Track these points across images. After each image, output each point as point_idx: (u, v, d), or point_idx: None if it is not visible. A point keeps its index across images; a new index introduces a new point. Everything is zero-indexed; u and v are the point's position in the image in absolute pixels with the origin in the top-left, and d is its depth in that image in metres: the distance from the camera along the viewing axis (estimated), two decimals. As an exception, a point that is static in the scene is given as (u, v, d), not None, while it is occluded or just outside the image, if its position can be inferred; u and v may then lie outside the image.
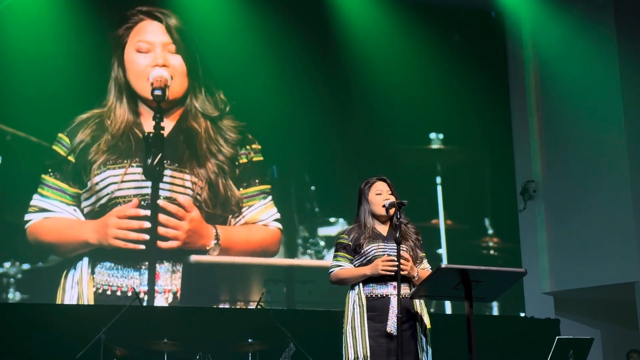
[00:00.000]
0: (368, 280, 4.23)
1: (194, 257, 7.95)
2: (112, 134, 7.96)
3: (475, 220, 8.95)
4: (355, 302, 4.23)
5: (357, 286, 4.26)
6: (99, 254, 7.71)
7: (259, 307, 7.41)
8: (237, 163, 8.25)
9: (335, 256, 4.40)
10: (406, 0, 8.94)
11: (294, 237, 8.32)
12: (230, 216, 8.12)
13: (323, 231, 8.39)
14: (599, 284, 8.45)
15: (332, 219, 8.44)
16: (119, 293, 7.67)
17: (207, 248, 7.99)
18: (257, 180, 8.28)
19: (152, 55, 8.13)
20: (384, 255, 4.25)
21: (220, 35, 8.36)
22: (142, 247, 7.81)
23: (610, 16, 8.57)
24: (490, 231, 8.97)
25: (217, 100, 8.28)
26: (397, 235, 4.18)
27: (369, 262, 4.25)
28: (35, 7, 8.02)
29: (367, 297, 4.21)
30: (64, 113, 7.96)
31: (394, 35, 8.78)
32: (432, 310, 7.96)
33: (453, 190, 8.86)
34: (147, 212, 7.85)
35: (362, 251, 4.30)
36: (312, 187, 8.50)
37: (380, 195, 4.37)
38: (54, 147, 7.85)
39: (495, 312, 8.71)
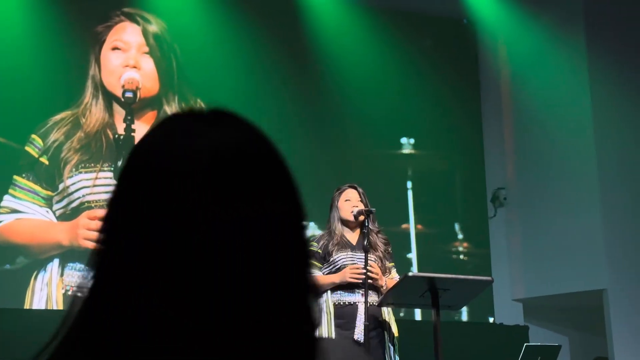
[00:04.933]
0: (336, 287, 4.26)
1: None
2: (85, 132, 7.91)
3: (445, 225, 8.98)
4: (322, 310, 4.26)
5: (325, 293, 4.28)
6: (70, 255, 7.65)
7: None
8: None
9: (304, 263, 4.42)
10: (378, 6, 8.96)
11: (265, 242, 8.31)
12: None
13: (294, 235, 8.38)
14: (568, 291, 8.51)
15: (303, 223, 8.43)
16: (88, 296, 7.62)
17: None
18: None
19: (125, 55, 8.10)
20: (352, 264, 4.28)
21: (199, 43, 8.34)
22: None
23: (580, 25, 8.64)
24: (461, 236, 9.00)
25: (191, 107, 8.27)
26: (365, 242, 4.22)
27: (338, 271, 4.28)
28: (6, 4, 7.94)
29: (335, 304, 4.24)
30: (37, 114, 7.88)
31: (365, 41, 8.80)
32: (401, 315, 7.99)
33: (424, 195, 8.89)
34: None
35: (331, 259, 4.33)
36: (284, 192, 8.50)
37: (349, 202, 4.41)
38: (27, 148, 7.78)
39: (465, 318, 8.75)
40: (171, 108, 8.16)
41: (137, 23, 8.18)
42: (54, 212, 7.70)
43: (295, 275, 0.87)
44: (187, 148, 0.84)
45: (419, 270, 8.48)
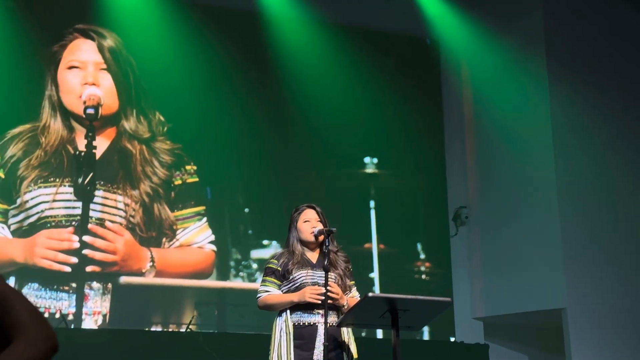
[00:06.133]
0: (296, 307, 4.24)
1: (124, 279, 7.84)
2: (45, 151, 7.83)
3: (408, 245, 9.00)
4: (282, 330, 4.23)
5: (284, 313, 4.26)
6: (26, 274, 7.54)
7: (188, 330, 7.33)
8: (172, 185, 8.16)
9: (263, 281, 4.40)
10: (342, 24, 8.99)
11: (226, 260, 8.27)
12: (165, 239, 8.03)
13: (256, 254, 8.35)
14: (528, 309, 8.57)
15: (265, 242, 8.41)
16: (46, 315, 7.51)
17: (143, 271, 7.88)
18: (192, 202, 8.21)
19: (83, 73, 8.03)
20: (312, 282, 4.26)
21: (156, 56, 8.29)
22: (68, 269, 7.64)
23: (541, 48, 8.73)
24: (423, 256, 9.03)
25: (151, 121, 8.20)
26: (326, 263, 4.21)
27: (297, 289, 4.27)
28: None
29: (294, 324, 4.22)
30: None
31: (329, 59, 8.81)
32: (363, 334, 7.97)
33: (386, 214, 8.91)
34: (79, 234, 7.72)
35: (291, 277, 4.31)
36: (246, 209, 8.47)
37: (308, 223, 4.39)
38: (-17, 162, 7.68)
39: (426, 336, 8.76)
40: (129, 123, 8.11)
41: (92, 39, 8.12)
42: (8, 227, 7.58)
43: None
44: None
45: (381, 289, 8.50)
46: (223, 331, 8.04)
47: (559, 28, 8.82)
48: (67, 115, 7.96)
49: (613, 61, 8.95)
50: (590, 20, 8.94)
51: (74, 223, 7.75)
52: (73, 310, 7.61)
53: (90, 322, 7.65)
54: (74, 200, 7.79)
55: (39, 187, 7.73)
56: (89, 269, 7.71)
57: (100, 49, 8.13)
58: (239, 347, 7.48)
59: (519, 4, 9.02)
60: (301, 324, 4.22)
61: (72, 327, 7.51)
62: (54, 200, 7.74)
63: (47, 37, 8.02)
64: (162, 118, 8.22)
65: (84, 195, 7.82)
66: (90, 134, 7.96)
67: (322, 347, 4.10)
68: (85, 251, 7.73)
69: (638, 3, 9.10)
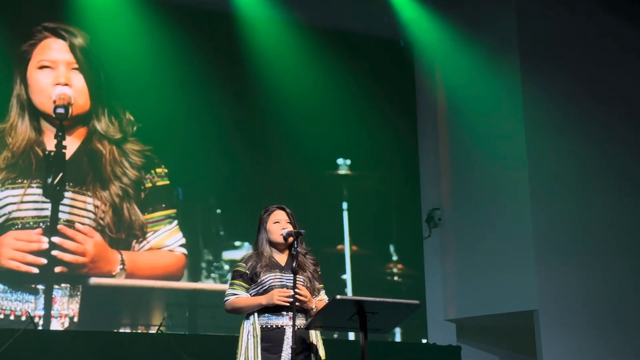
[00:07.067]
0: (263, 310, 4.21)
1: (93, 280, 7.77)
2: (12, 152, 7.74)
3: (380, 246, 9.00)
4: (249, 332, 4.21)
5: (252, 316, 4.23)
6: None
7: (159, 331, 7.28)
8: (142, 187, 8.10)
9: (231, 284, 4.37)
10: (316, 25, 8.97)
11: (198, 261, 8.22)
12: (134, 241, 7.96)
13: (228, 255, 8.31)
14: (500, 311, 8.59)
15: (237, 243, 8.37)
16: (12, 317, 7.42)
17: (113, 274, 7.81)
18: (163, 205, 8.15)
19: (55, 73, 7.95)
20: (280, 285, 4.23)
21: (128, 56, 8.22)
22: (36, 270, 7.56)
23: (514, 52, 8.76)
24: (395, 258, 9.03)
25: (122, 121, 8.14)
26: (294, 265, 4.18)
27: (266, 291, 4.24)
28: None
29: (262, 327, 4.19)
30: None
31: (303, 61, 8.78)
32: (335, 336, 7.95)
33: (359, 216, 8.90)
34: (48, 235, 7.64)
35: (259, 280, 4.28)
36: (218, 210, 8.42)
37: (278, 224, 4.37)
38: (-51, 162, 7.59)
39: (398, 338, 8.76)
40: (101, 124, 8.04)
41: (63, 38, 8.04)
42: (-25, 229, 7.50)
43: None
44: None
45: (354, 291, 8.48)
46: (194, 333, 7.99)
47: (532, 31, 8.86)
48: (36, 115, 7.87)
49: (585, 64, 9.00)
50: (563, 24, 8.98)
51: (42, 225, 7.67)
52: (41, 312, 7.52)
53: (57, 325, 7.56)
54: (43, 202, 7.71)
55: (6, 189, 7.64)
56: (57, 269, 7.63)
57: (72, 49, 8.05)
58: (210, 348, 7.44)
59: (492, 7, 9.05)
60: (269, 326, 4.20)
61: (41, 328, 7.42)
62: (22, 202, 7.66)
63: (15, 36, 7.92)
64: (131, 118, 8.15)
65: (53, 195, 7.74)
66: (60, 134, 7.89)
67: (289, 350, 4.08)
68: (54, 252, 7.65)
69: (611, 7, 9.16)
